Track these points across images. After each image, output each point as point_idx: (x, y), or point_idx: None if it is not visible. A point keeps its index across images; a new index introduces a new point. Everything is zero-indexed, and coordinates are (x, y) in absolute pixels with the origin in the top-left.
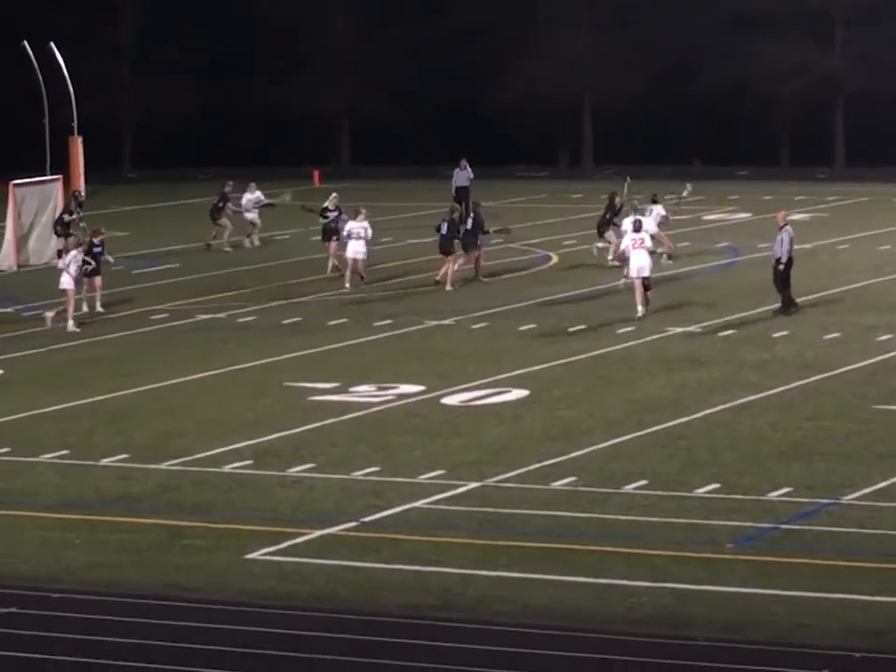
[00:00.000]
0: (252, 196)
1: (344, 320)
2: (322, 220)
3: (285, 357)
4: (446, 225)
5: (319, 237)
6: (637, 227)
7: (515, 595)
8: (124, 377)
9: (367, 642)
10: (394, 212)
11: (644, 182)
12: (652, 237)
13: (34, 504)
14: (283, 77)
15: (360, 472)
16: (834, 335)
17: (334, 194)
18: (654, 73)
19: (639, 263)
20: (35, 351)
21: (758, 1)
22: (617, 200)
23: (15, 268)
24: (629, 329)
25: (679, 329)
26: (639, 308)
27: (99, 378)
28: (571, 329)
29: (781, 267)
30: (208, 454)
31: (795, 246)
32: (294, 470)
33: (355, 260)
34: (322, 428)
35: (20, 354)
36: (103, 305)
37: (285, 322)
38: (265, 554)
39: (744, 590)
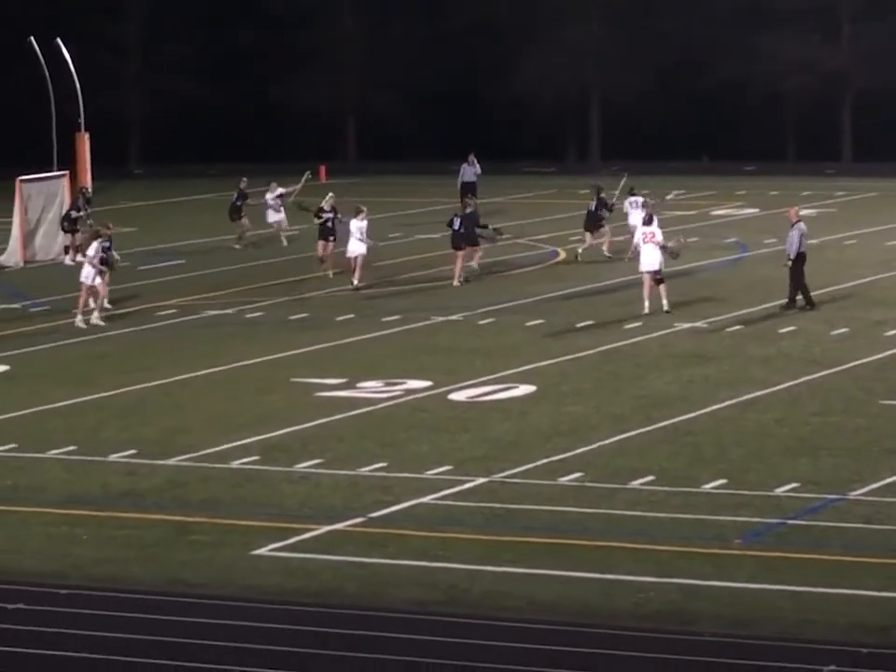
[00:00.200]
0: (273, 195)
1: (352, 316)
2: (316, 221)
3: (292, 352)
4: (459, 220)
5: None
6: (648, 220)
7: (522, 590)
8: (132, 373)
9: (373, 638)
10: (401, 208)
11: (652, 178)
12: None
13: (41, 500)
14: (290, 72)
15: (367, 468)
16: (842, 330)
17: (330, 194)
18: (662, 68)
19: (649, 258)
20: (42, 347)
21: None
22: (603, 195)
23: (22, 264)
24: (637, 324)
25: (687, 325)
26: (646, 304)
27: (106, 374)
28: (579, 325)
29: (788, 264)
30: (215, 449)
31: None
32: (301, 466)
33: (355, 259)
34: (329, 424)
35: (27, 350)
36: (110, 301)
37: (292, 318)
38: (272, 550)
39: (751, 585)
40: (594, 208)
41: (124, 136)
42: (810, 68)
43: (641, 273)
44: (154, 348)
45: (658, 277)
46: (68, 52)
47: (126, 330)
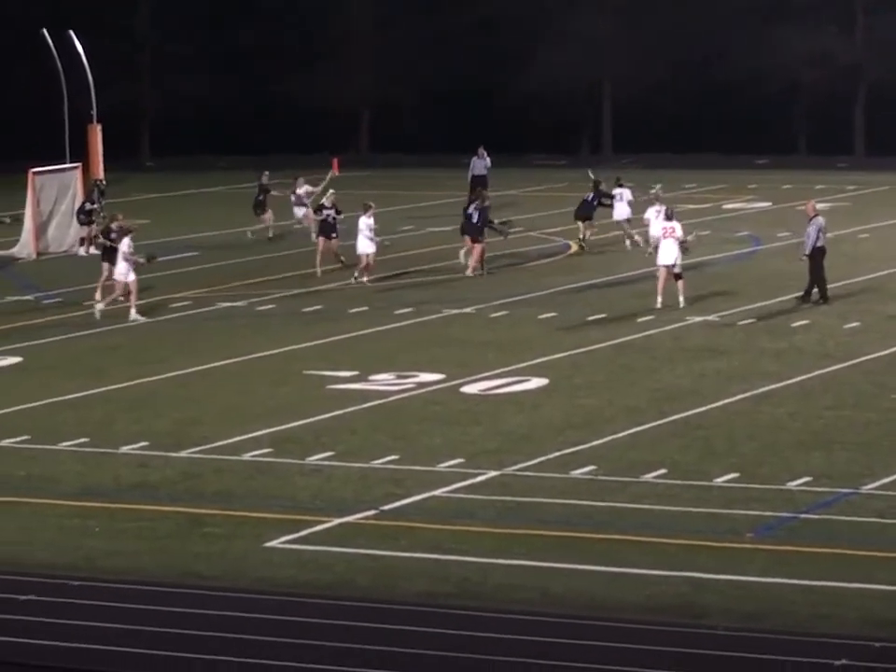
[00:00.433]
0: (301, 190)
1: (365, 308)
2: (316, 217)
3: (305, 345)
4: (478, 213)
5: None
6: (669, 215)
7: (533, 583)
8: (144, 365)
9: (385, 630)
10: (413, 200)
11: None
12: (628, 221)
13: (53, 492)
14: (303, 65)
15: (379, 460)
16: (855, 324)
17: (331, 191)
18: (674, 61)
19: (665, 252)
20: (54, 339)
21: None
22: (602, 187)
23: (34, 256)
24: (649, 317)
25: (699, 319)
26: (659, 298)
27: (119, 366)
28: (591, 318)
29: (804, 259)
30: (228, 441)
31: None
32: (314, 458)
33: (367, 257)
34: (342, 416)
35: (39, 342)
36: (122, 294)
37: (305, 310)
38: (284, 542)
39: (762, 579)
40: (590, 199)
41: (136, 128)
42: (824, 61)
43: (658, 266)
44: (167, 340)
45: (677, 273)
46: (80, 45)
47: (138, 322)
